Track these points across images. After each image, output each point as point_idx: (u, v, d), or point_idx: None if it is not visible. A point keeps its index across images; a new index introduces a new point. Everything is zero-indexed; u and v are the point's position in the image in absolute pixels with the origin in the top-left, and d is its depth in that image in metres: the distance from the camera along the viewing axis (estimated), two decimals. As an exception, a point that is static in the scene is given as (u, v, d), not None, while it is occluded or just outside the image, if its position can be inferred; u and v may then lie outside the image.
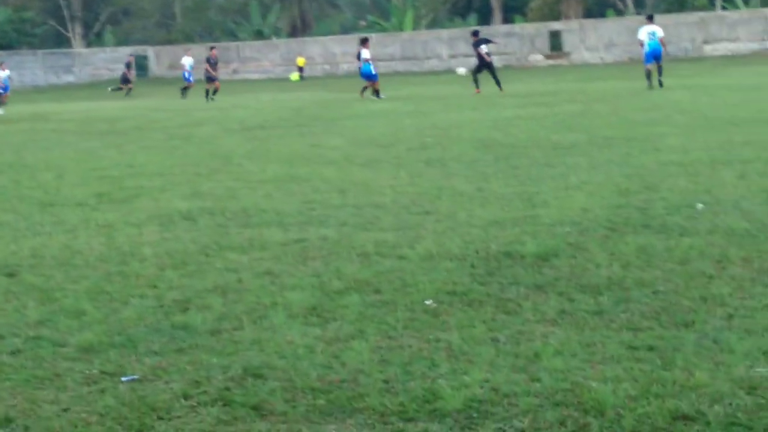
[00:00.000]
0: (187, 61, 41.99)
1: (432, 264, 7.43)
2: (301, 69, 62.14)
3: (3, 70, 38.93)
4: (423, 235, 8.58)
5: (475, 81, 32.13)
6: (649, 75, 29.41)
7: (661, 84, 28.64)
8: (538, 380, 4.84)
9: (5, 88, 38.03)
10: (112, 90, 48.93)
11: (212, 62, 38.38)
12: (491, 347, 5.38)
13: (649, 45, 29.39)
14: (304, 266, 7.59)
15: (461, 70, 37.92)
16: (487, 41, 33.07)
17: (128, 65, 50.34)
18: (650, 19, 30.93)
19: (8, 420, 4.65)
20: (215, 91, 37.35)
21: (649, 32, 29.60)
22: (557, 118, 20.41)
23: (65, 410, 4.76)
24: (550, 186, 11.07)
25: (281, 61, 69.74)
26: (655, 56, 29.32)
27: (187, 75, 41.73)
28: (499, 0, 77.16)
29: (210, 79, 37.76)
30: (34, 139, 21.40)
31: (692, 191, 10.22)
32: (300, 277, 7.19)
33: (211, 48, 41.40)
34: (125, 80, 48.38)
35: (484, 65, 32.32)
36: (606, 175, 11.65)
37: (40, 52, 71.73)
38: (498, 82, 31.63)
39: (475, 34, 33.74)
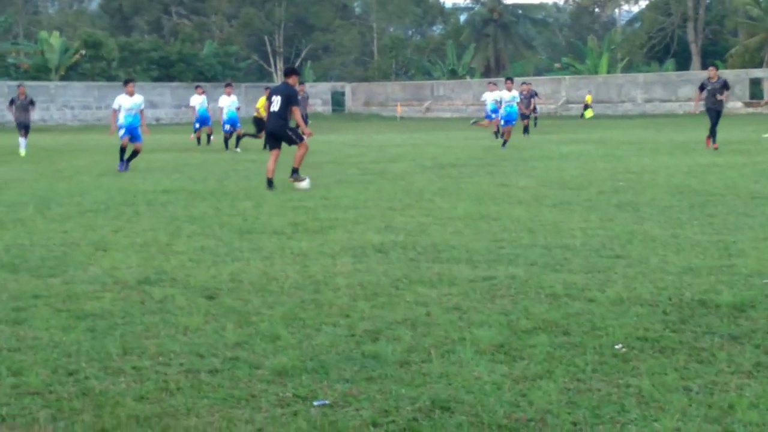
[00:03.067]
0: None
1: (622, 308, 7.34)
2: (590, 106, 63.71)
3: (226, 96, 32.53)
4: (613, 279, 8.47)
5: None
6: None
7: None
8: (732, 432, 4.72)
9: (232, 123, 31.81)
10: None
11: None
12: (683, 396, 5.27)
13: None
14: (492, 304, 7.62)
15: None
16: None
17: None
18: None
19: (206, 436, 4.85)
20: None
21: None
22: (757, 167, 19.78)
23: (259, 430, 4.94)
24: (748, 236, 10.74)
25: (473, 100, 70.22)
26: None
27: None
28: (698, 45, 75.54)
29: None
30: (235, 169, 22.21)
31: None
32: (488, 314, 7.22)
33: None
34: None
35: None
36: (808, 227, 11.22)
37: (243, 85, 74.43)
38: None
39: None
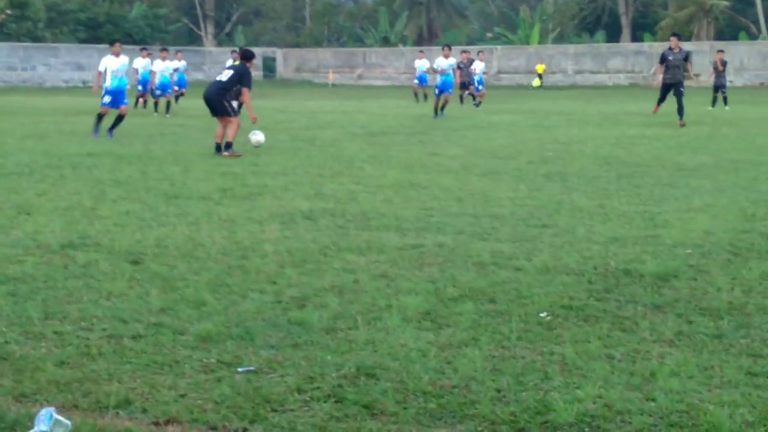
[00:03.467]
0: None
1: (548, 277, 7.40)
2: (540, 75, 62.86)
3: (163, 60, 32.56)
4: (540, 248, 8.54)
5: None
6: None
7: None
8: (653, 400, 4.78)
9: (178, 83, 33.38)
10: None
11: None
12: (606, 363, 5.33)
13: None
14: (419, 271, 7.63)
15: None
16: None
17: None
18: None
19: (128, 402, 4.78)
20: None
21: None
22: (683, 139, 20.07)
23: (182, 396, 4.89)
24: (673, 207, 10.89)
25: (405, 68, 70.13)
26: None
27: None
28: (629, 17, 76.23)
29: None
30: (162, 133, 21.95)
31: (821, 220, 9.94)
32: (415, 282, 7.24)
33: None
34: None
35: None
36: (731, 199, 11.42)
37: (172, 48, 73.50)
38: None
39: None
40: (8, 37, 67.28)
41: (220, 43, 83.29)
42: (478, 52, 39.91)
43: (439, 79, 30.13)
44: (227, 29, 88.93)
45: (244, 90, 17.43)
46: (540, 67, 63.83)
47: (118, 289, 6.93)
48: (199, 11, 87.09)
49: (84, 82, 66.23)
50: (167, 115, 29.50)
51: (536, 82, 62.39)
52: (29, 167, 14.57)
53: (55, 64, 66.16)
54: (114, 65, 21.00)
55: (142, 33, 74.88)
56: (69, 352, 5.50)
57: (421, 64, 39.89)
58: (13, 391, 4.90)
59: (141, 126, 24.48)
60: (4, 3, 68.57)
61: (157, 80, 30.79)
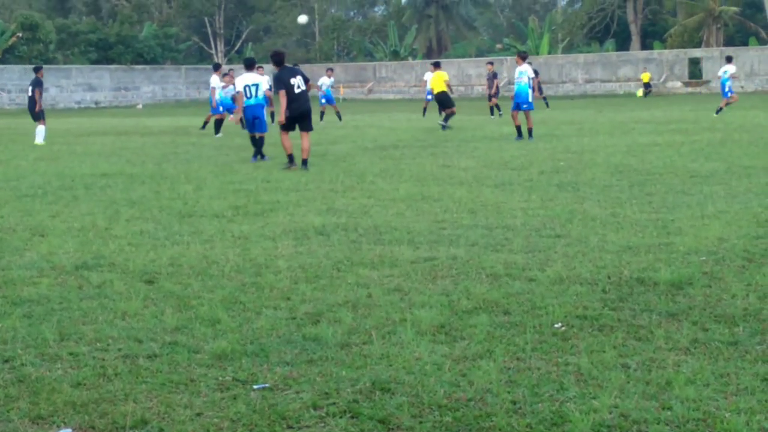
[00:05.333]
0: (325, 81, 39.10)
1: (562, 287, 7.39)
2: (647, 84, 59.71)
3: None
4: (553, 258, 8.53)
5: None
6: None
7: None
8: (670, 408, 4.77)
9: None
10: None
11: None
12: (621, 373, 5.32)
13: None
14: (433, 284, 7.63)
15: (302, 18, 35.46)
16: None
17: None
18: None
19: (144, 422, 4.80)
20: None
21: None
22: (695, 146, 20.01)
23: (198, 415, 4.89)
24: (686, 214, 10.87)
25: (416, 81, 70.23)
26: None
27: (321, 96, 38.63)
28: (638, 26, 76.21)
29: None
30: (174, 152, 22.01)
31: (835, 224, 9.90)
32: (429, 295, 7.23)
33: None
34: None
35: None
36: (744, 205, 11.39)
37: (183, 67, 73.80)
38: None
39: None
40: (20, 59, 67.64)
41: (230, 61, 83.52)
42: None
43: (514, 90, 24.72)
44: (237, 47, 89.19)
45: (311, 84, 18.10)
46: (645, 76, 60.31)
47: (133, 309, 6.95)
48: (209, 29, 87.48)
49: (96, 103, 66.58)
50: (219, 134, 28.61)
51: (639, 92, 59.62)
52: (43, 189, 14.64)
53: (66, 85, 66.54)
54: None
55: (153, 52, 75.24)
56: (85, 373, 5.52)
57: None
58: (30, 413, 4.92)
59: (152, 145, 24.56)
60: (15, 26, 69.00)
61: (217, 97, 29.70)
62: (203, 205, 12.58)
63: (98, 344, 6.11)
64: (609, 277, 7.69)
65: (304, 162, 17.27)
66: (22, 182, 15.70)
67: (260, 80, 20.18)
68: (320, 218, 11.13)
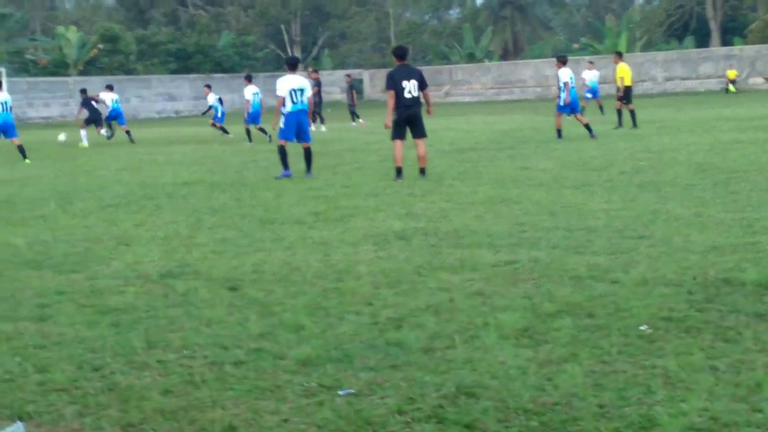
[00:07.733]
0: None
1: (647, 289, 7.30)
2: (733, 81, 58.93)
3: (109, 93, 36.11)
4: (637, 259, 8.43)
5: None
6: None
7: None
8: (760, 411, 4.68)
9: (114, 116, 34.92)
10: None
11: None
12: (710, 375, 5.24)
13: None
14: (515, 288, 7.60)
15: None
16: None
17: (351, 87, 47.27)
18: None
19: (232, 428, 4.85)
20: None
21: None
22: (779, 142, 19.64)
23: (285, 421, 4.93)
24: (772, 212, 10.67)
25: (492, 83, 69.96)
26: None
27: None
28: (718, 21, 75.00)
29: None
30: (254, 160, 22.22)
31: None
32: (511, 299, 7.20)
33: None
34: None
35: None
36: (833, 202, 11.14)
37: (261, 75, 74.41)
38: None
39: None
40: (102, 71, 68.87)
41: (307, 67, 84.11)
42: (589, 62, 40.83)
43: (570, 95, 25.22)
44: (314, 53, 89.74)
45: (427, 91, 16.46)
46: (731, 73, 59.55)
47: (218, 316, 7.04)
48: (285, 37, 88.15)
49: (176, 113, 67.49)
50: (250, 144, 29.11)
51: (732, 87, 58.28)
52: (126, 198, 14.90)
53: (147, 95, 67.54)
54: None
55: (231, 61, 76.01)
56: (173, 381, 5.60)
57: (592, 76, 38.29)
58: (120, 421, 5.00)
59: (232, 153, 24.83)
60: (96, 38, 70.29)
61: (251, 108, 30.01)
62: (284, 211, 12.68)
63: (185, 351, 6.20)
64: (694, 278, 7.57)
65: (422, 170, 16.33)
66: (106, 192, 15.99)
67: (306, 84, 18.06)
68: (400, 223, 11.15)
